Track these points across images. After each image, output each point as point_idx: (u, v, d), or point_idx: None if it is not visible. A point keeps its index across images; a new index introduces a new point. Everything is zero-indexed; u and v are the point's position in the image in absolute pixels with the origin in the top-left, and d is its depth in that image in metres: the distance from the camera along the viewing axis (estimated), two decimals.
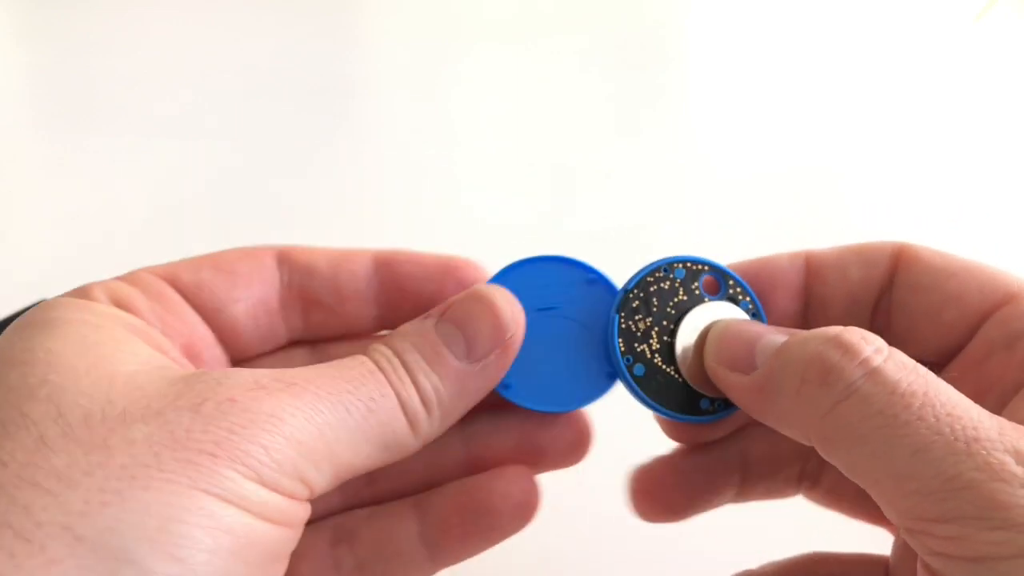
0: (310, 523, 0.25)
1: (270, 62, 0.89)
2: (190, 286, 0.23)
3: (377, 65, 0.94)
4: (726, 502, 0.27)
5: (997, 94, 0.90)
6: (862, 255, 0.25)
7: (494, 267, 0.26)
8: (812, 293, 0.26)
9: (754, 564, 0.27)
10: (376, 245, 0.25)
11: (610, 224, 0.62)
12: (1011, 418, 0.19)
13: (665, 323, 0.25)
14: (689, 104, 0.88)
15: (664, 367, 0.25)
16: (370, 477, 0.24)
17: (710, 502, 0.27)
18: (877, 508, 0.25)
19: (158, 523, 0.16)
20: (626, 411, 0.26)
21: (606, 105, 0.85)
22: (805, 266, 0.26)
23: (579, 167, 0.71)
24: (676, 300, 0.25)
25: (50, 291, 0.50)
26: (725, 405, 0.25)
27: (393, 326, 0.24)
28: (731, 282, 0.26)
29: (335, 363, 0.21)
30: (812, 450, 0.27)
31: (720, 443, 0.27)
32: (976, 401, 0.19)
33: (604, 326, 0.25)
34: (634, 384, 0.24)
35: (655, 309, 0.25)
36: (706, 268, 0.26)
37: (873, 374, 0.19)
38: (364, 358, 0.21)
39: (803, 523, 0.28)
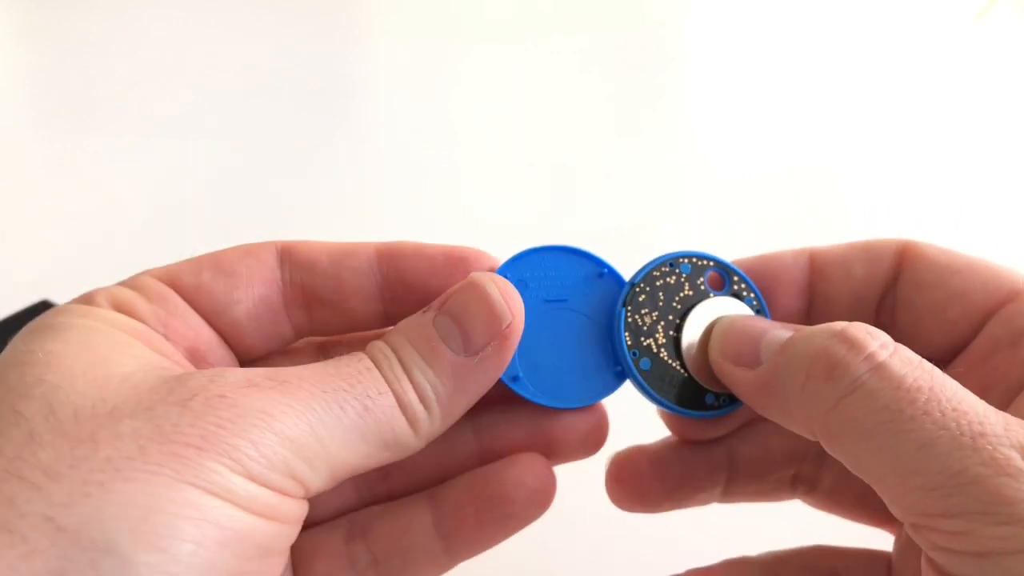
0: (325, 521, 0.25)
1: (270, 62, 0.89)
2: (191, 289, 0.23)
3: (377, 65, 0.94)
4: (711, 500, 0.27)
5: (997, 94, 0.90)
6: (866, 252, 0.25)
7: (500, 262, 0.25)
8: (816, 290, 0.26)
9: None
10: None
11: (610, 224, 0.62)
12: (1017, 414, 0.19)
13: (671, 318, 0.25)
14: (689, 104, 0.88)
15: (670, 361, 0.25)
16: (384, 472, 0.24)
17: (690, 498, 0.27)
18: (878, 510, 0.25)
19: (140, 514, 0.16)
20: (631, 406, 0.26)
21: (606, 105, 0.85)
22: (809, 263, 0.26)
23: (579, 167, 0.71)
24: (682, 295, 0.25)
25: (50, 291, 0.50)
26: (730, 400, 0.25)
27: (399, 321, 0.24)
28: (735, 278, 0.26)
29: (332, 361, 0.21)
30: (806, 454, 0.27)
31: (707, 440, 0.27)
32: (981, 398, 0.19)
33: (610, 320, 0.25)
34: (640, 378, 0.24)
35: (661, 304, 0.25)
36: (711, 264, 0.26)
37: (879, 369, 0.19)
38: (362, 355, 0.21)
39: (805, 524, 0.28)
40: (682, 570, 0.26)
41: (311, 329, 0.25)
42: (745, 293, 0.26)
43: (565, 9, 1.12)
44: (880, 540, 0.26)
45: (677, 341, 0.25)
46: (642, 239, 0.59)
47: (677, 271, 0.25)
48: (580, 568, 0.36)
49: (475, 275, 0.22)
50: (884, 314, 0.25)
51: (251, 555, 0.18)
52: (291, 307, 0.24)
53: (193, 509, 0.17)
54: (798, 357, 0.21)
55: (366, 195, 0.67)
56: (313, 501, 0.24)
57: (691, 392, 0.25)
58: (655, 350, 0.25)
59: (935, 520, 0.18)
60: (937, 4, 1.15)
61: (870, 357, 0.20)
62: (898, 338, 0.21)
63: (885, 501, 0.20)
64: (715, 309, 0.25)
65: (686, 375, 0.25)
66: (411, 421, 0.21)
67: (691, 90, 0.92)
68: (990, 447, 0.18)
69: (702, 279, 0.25)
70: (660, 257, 0.25)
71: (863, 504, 0.27)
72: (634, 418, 0.27)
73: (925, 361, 0.20)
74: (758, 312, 0.26)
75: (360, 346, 0.22)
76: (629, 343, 0.24)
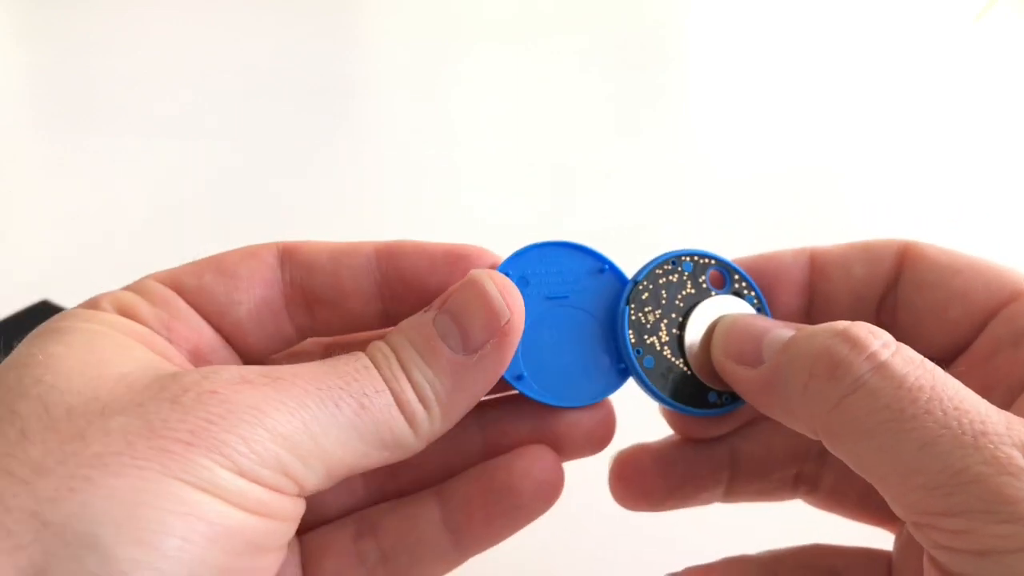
0: (336, 519, 0.25)
1: (270, 62, 0.89)
2: (194, 291, 0.23)
3: (377, 65, 0.94)
4: (714, 500, 0.27)
5: (997, 94, 0.90)
6: (867, 252, 0.25)
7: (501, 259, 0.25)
8: (816, 289, 0.26)
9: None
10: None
11: (610, 224, 0.62)
12: (1018, 413, 0.19)
13: (674, 316, 0.25)
14: (689, 104, 0.88)
15: (673, 359, 0.25)
16: (392, 470, 0.23)
17: (693, 496, 0.27)
18: (879, 509, 0.25)
19: (126, 509, 0.16)
20: (634, 404, 0.26)
21: (606, 105, 0.85)
22: (810, 262, 0.26)
23: (579, 167, 0.71)
24: (684, 293, 0.25)
25: (50, 291, 0.50)
26: (733, 399, 0.25)
27: (400, 320, 0.24)
28: (736, 276, 0.26)
29: (330, 360, 0.21)
30: (808, 453, 0.27)
31: (710, 439, 0.27)
32: (983, 397, 0.19)
33: (613, 317, 0.25)
34: (644, 376, 0.24)
35: (664, 301, 0.25)
36: (712, 262, 0.26)
37: (880, 368, 0.19)
38: (361, 354, 0.21)
39: (803, 524, 0.28)
40: (681, 568, 0.26)
41: (313, 329, 0.25)
42: (746, 291, 0.26)
43: (565, 9, 1.12)
44: (879, 539, 0.26)
45: (680, 339, 0.25)
46: (642, 239, 0.59)
47: (679, 269, 0.25)
48: (580, 567, 0.36)
49: (473, 272, 0.22)
50: (885, 314, 0.25)
51: (242, 551, 0.18)
52: (292, 307, 0.24)
53: (180, 504, 0.17)
54: (800, 356, 0.21)
55: (366, 195, 0.67)
56: (321, 499, 0.24)
57: (694, 390, 0.25)
58: (658, 348, 0.25)
59: (937, 519, 0.18)
60: (937, 4, 1.15)
61: (872, 356, 0.20)
62: (900, 338, 0.21)
63: (887, 500, 0.20)
64: (717, 307, 0.25)
65: (689, 373, 0.25)
66: (410, 420, 0.21)
67: (691, 90, 0.92)
68: (991, 446, 0.18)
69: (703, 277, 0.25)
70: (662, 255, 0.25)
71: (864, 503, 0.27)
72: (637, 416, 0.27)
73: (927, 360, 0.20)
74: (759, 311, 0.26)
75: (365, 346, 0.22)
76: (633, 341, 0.24)
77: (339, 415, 0.19)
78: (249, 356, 0.24)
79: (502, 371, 0.22)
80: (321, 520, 0.25)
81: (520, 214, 0.63)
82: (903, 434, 0.19)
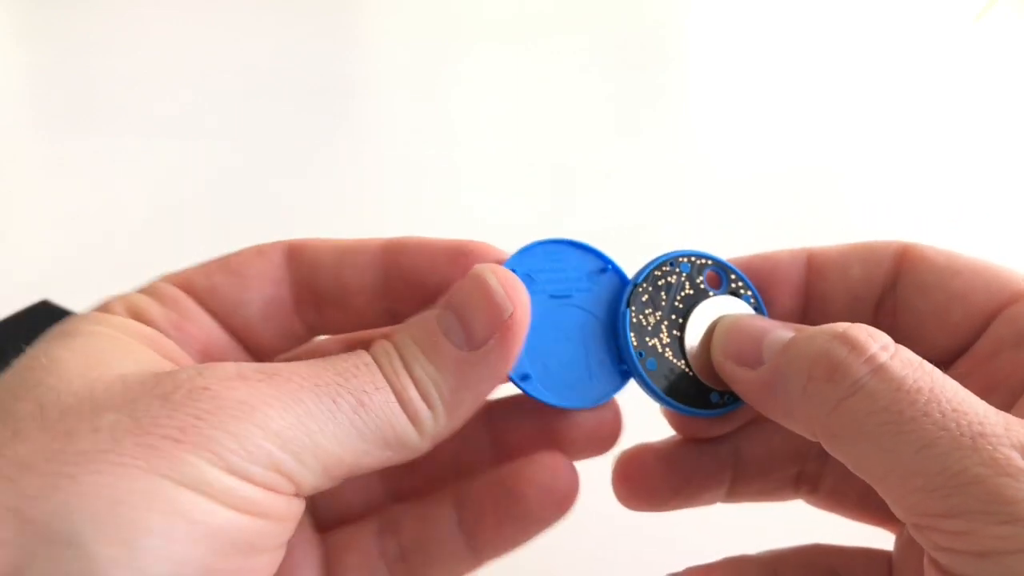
0: (355, 512, 0.25)
1: (270, 62, 0.89)
2: (205, 291, 0.23)
3: (377, 65, 0.94)
4: (716, 500, 0.27)
5: (997, 94, 0.90)
6: (865, 253, 0.25)
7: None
8: (813, 290, 0.26)
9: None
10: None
11: (610, 224, 0.62)
12: (1019, 415, 0.19)
13: (674, 317, 0.25)
14: (689, 104, 0.89)
15: (674, 361, 0.25)
16: (410, 466, 0.23)
17: (697, 496, 0.27)
18: (880, 509, 0.25)
19: (107, 506, 0.16)
20: (635, 404, 0.26)
21: (606, 105, 0.85)
22: (807, 263, 0.26)
23: (579, 167, 0.71)
24: (683, 294, 0.25)
25: (50, 291, 0.50)
26: (734, 399, 0.25)
27: (407, 318, 0.24)
28: (732, 276, 0.26)
29: (331, 357, 0.21)
30: (808, 452, 0.27)
31: (713, 438, 0.27)
32: (983, 399, 0.19)
33: (614, 318, 0.25)
34: (648, 380, 0.24)
35: (664, 303, 0.25)
36: (709, 263, 0.26)
37: (879, 370, 0.19)
38: (364, 352, 0.21)
39: (803, 524, 0.28)
40: (681, 568, 0.26)
41: (323, 327, 0.25)
42: (742, 291, 0.26)
43: (565, 9, 1.12)
44: (880, 539, 0.26)
45: (681, 340, 0.25)
46: (642, 239, 0.59)
47: (677, 270, 0.25)
48: (580, 567, 0.36)
49: (476, 267, 0.22)
50: (884, 315, 0.25)
51: (230, 551, 0.17)
52: (301, 306, 0.24)
53: (163, 502, 0.16)
54: (799, 358, 0.21)
55: (366, 195, 0.67)
56: (340, 495, 0.24)
57: (696, 391, 0.25)
58: (660, 350, 0.24)
59: (936, 520, 0.18)
60: (937, 4, 1.15)
61: (871, 359, 0.20)
62: (900, 339, 0.21)
63: (887, 501, 0.20)
64: (716, 308, 0.25)
65: (691, 374, 0.25)
66: (412, 419, 0.20)
67: (691, 90, 0.92)
68: (990, 447, 0.18)
69: (701, 278, 0.25)
70: (660, 257, 0.25)
71: (865, 503, 0.27)
72: (638, 416, 0.27)
73: (925, 362, 0.20)
74: (756, 310, 0.26)
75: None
76: (635, 343, 0.24)
77: (337, 411, 0.19)
78: (261, 355, 0.24)
79: (507, 367, 0.22)
80: (341, 516, 0.25)
81: (520, 214, 0.63)
82: (901, 436, 0.19)
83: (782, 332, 0.22)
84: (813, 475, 0.27)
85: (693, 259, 0.26)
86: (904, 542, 0.24)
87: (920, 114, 0.84)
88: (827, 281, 0.25)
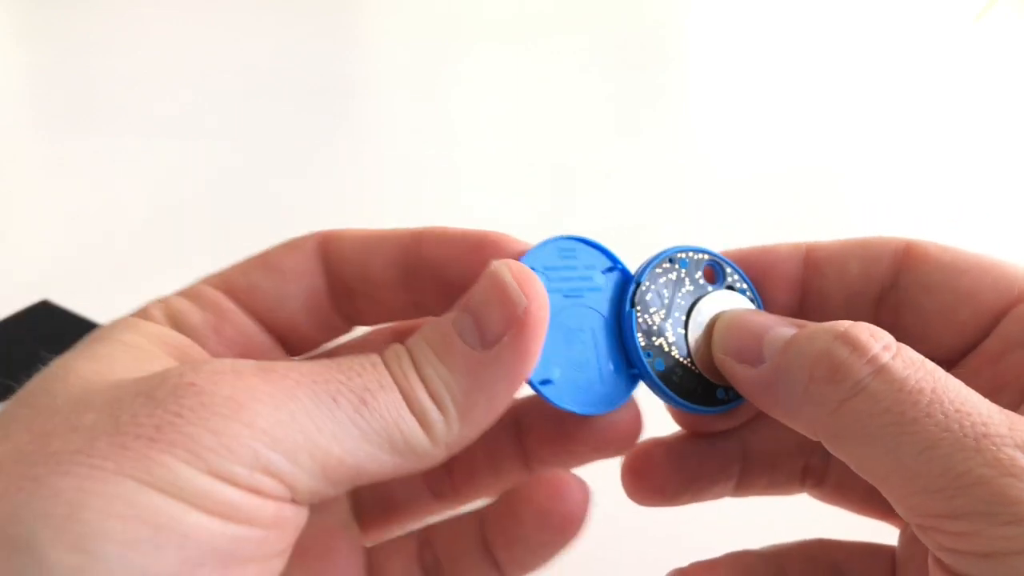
0: (401, 512, 0.25)
1: (270, 62, 0.89)
2: (244, 290, 0.23)
3: (377, 65, 0.94)
4: (724, 494, 0.27)
5: (997, 94, 0.90)
6: (863, 249, 0.25)
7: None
8: (809, 285, 0.25)
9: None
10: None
11: (610, 224, 0.62)
12: None
13: (677, 315, 0.25)
14: (689, 104, 0.89)
15: (680, 359, 0.24)
16: (446, 465, 0.22)
17: (706, 491, 0.26)
18: (885, 504, 0.25)
19: (67, 510, 0.15)
20: (640, 400, 0.26)
21: (606, 105, 0.85)
22: (805, 258, 0.25)
23: (579, 167, 0.71)
24: (684, 291, 0.25)
25: (50, 291, 0.50)
26: (739, 394, 0.25)
27: (433, 310, 0.24)
28: (728, 270, 0.25)
29: (339, 357, 0.20)
30: (816, 446, 0.27)
31: (721, 432, 0.26)
32: (992, 398, 0.19)
33: (620, 318, 0.24)
34: (658, 381, 0.24)
35: (667, 301, 0.24)
36: (705, 257, 0.25)
37: (881, 371, 0.19)
38: (373, 353, 0.20)
39: (807, 520, 0.28)
40: (686, 563, 0.26)
41: (359, 318, 0.24)
42: (738, 285, 0.25)
43: (565, 9, 1.12)
44: (883, 534, 0.26)
45: (685, 338, 0.25)
46: (642, 239, 0.59)
47: (677, 266, 0.25)
48: (581, 566, 0.36)
49: (491, 262, 0.21)
50: (886, 313, 0.25)
51: (205, 561, 0.16)
52: (336, 297, 0.24)
53: (126, 506, 0.15)
54: (801, 357, 0.21)
55: (366, 195, 0.67)
56: (384, 490, 0.24)
57: (702, 388, 0.24)
58: (666, 349, 0.24)
59: (940, 521, 0.18)
60: (937, 4, 1.15)
61: (873, 359, 0.19)
62: (904, 338, 0.20)
63: (890, 501, 0.19)
64: (716, 304, 0.25)
65: (696, 371, 0.24)
66: (422, 421, 0.19)
67: (691, 90, 0.92)
68: (994, 448, 0.17)
69: (699, 273, 0.25)
70: (659, 254, 0.25)
71: (870, 497, 0.26)
72: (644, 411, 0.27)
73: (928, 361, 0.20)
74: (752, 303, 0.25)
75: None
76: (643, 344, 0.24)
77: (336, 409, 0.18)
78: (304, 350, 0.24)
79: (524, 367, 0.20)
80: (385, 508, 0.25)
81: (520, 214, 0.63)
82: (904, 437, 0.18)
83: (783, 329, 0.22)
84: (819, 469, 0.27)
85: (691, 254, 0.25)
86: (908, 537, 0.24)
87: (920, 114, 0.84)
88: (824, 277, 0.25)
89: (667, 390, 0.24)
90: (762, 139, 0.78)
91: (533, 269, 0.22)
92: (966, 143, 0.79)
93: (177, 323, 0.22)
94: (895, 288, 0.24)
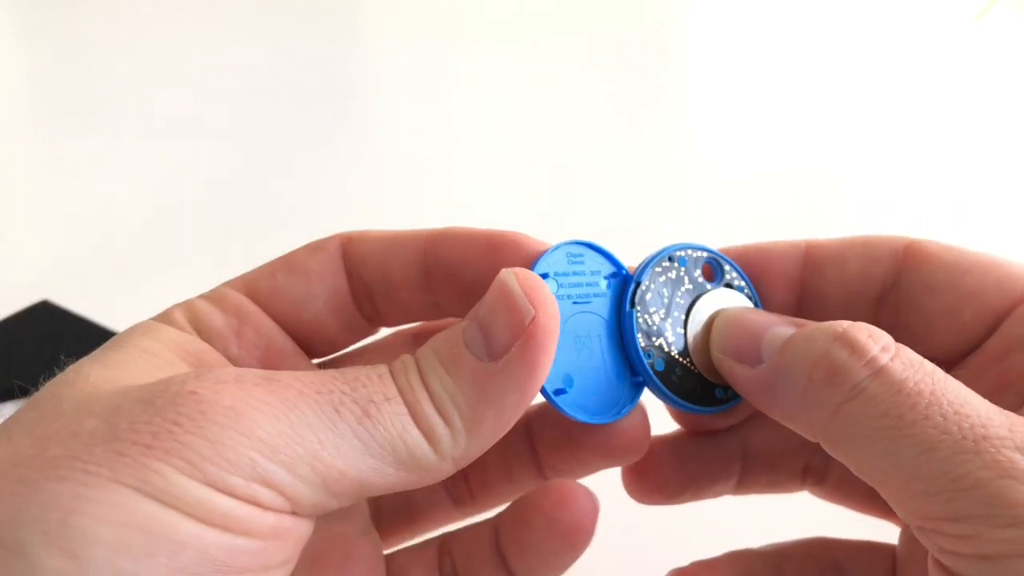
0: (422, 515, 0.25)
1: (270, 62, 0.89)
2: (268, 293, 0.23)
3: (377, 65, 0.94)
4: (726, 492, 0.27)
5: (997, 94, 0.90)
6: (863, 248, 0.25)
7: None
8: (808, 284, 0.25)
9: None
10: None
11: (610, 224, 0.62)
12: None
13: (677, 314, 0.24)
14: (689, 104, 0.88)
15: (680, 359, 0.24)
16: (463, 473, 0.23)
17: (707, 489, 0.26)
18: (887, 503, 0.25)
19: (60, 516, 0.15)
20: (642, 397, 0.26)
21: (606, 105, 0.85)
22: (804, 256, 0.25)
23: (579, 167, 0.71)
24: (683, 289, 0.25)
25: (50, 291, 0.50)
26: (737, 393, 0.24)
27: (452, 312, 0.24)
28: (726, 268, 0.25)
29: (345, 368, 0.20)
30: (817, 445, 0.27)
31: (722, 431, 0.26)
32: (994, 398, 0.19)
33: (620, 320, 0.24)
34: (658, 382, 0.24)
35: (666, 300, 0.24)
36: (704, 254, 0.25)
37: (879, 373, 0.19)
38: (381, 364, 0.20)
39: (806, 518, 0.28)
40: (686, 563, 0.26)
41: (381, 319, 0.24)
42: (736, 282, 0.25)
43: (565, 9, 1.12)
44: (883, 532, 0.26)
45: (684, 337, 0.24)
46: (642, 239, 0.59)
47: (676, 265, 0.25)
48: (579, 564, 0.36)
49: (501, 271, 0.20)
50: (887, 312, 0.25)
51: (199, 571, 0.16)
52: (358, 298, 0.24)
53: (118, 513, 0.15)
54: (799, 358, 0.21)
55: (366, 195, 0.67)
56: (404, 496, 0.24)
57: (701, 388, 0.24)
58: (666, 349, 0.24)
59: (939, 524, 0.18)
60: (937, 4, 1.15)
61: (871, 362, 0.19)
62: (905, 338, 0.20)
63: (890, 503, 0.19)
64: (715, 302, 0.25)
65: (695, 371, 0.24)
66: (427, 434, 0.19)
67: (691, 90, 0.92)
68: (993, 450, 0.17)
69: (698, 271, 0.25)
70: (658, 252, 0.25)
71: (872, 495, 0.26)
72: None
73: (927, 362, 0.19)
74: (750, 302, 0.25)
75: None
76: (643, 344, 0.24)
77: (338, 421, 0.18)
78: (328, 352, 0.24)
79: (533, 379, 0.19)
80: (412, 516, 0.25)
81: (520, 214, 0.63)
82: (902, 440, 0.18)
83: (781, 329, 0.22)
84: (820, 467, 0.27)
85: (689, 252, 0.25)
86: (909, 536, 0.24)
87: (920, 114, 0.84)
88: (823, 275, 0.25)
89: (666, 391, 0.24)
90: (762, 139, 0.78)
91: (544, 276, 0.22)
92: (966, 143, 0.79)
93: (199, 327, 0.22)
94: (897, 287, 0.24)
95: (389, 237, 0.23)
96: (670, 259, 0.25)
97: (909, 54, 1.00)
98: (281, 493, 0.17)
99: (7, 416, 0.18)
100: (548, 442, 0.25)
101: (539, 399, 0.22)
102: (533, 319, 0.19)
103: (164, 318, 0.22)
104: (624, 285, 0.25)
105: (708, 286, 0.25)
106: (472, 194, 0.67)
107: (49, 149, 0.73)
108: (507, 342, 0.19)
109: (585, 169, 0.71)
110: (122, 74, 0.85)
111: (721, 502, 0.28)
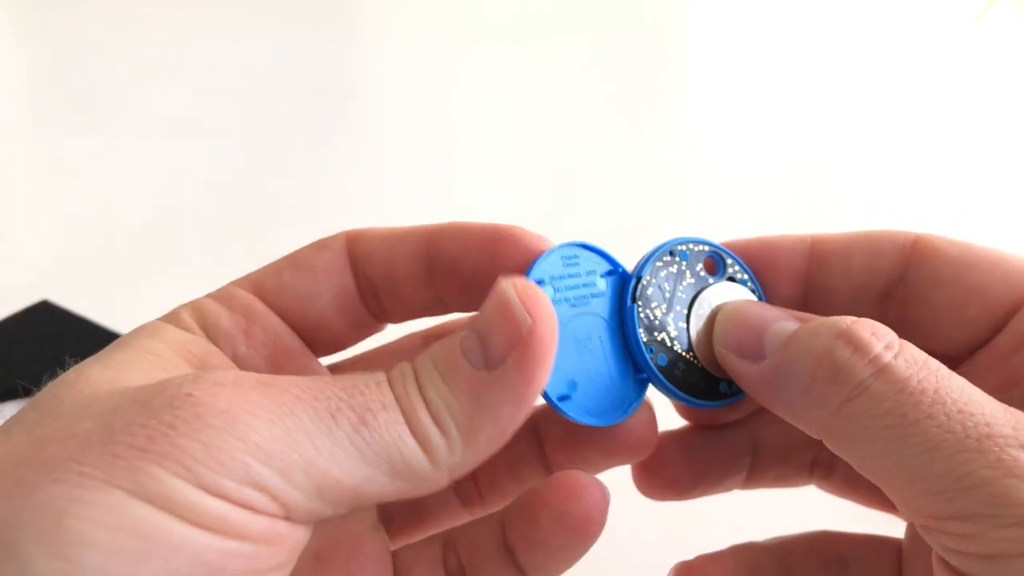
0: (430, 515, 0.25)
1: (270, 62, 0.89)
2: (275, 291, 0.23)
3: (377, 65, 0.94)
4: (735, 487, 0.27)
5: (997, 94, 0.90)
6: (870, 243, 0.24)
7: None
8: (814, 278, 0.25)
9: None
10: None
11: (610, 224, 0.62)
12: None
13: (679, 308, 0.24)
14: (689, 104, 0.88)
15: (683, 353, 0.24)
16: (471, 473, 0.22)
17: (717, 484, 0.26)
18: None
19: (55, 518, 0.15)
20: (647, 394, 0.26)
21: (606, 105, 0.85)
22: (810, 250, 0.25)
23: (579, 167, 0.71)
24: (685, 283, 0.24)
25: (50, 291, 0.50)
26: (741, 388, 0.24)
27: (459, 307, 0.24)
28: (729, 261, 0.25)
29: (345, 374, 0.19)
30: None
31: (731, 425, 0.26)
32: (1003, 395, 0.19)
33: (622, 316, 0.24)
34: (661, 376, 0.23)
35: (668, 295, 0.24)
36: (706, 248, 0.25)
37: (883, 371, 0.19)
38: (380, 372, 0.20)
39: (811, 512, 0.28)
40: (691, 556, 0.26)
41: (386, 316, 0.24)
42: (739, 276, 0.25)
43: (565, 9, 1.12)
44: (889, 526, 0.26)
45: (687, 332, 0.24)
46: (642, 239, 0.58)
47: (677, 259, 0.25)
48: (583, 563, 0.36)
49: (499, 280, 0.20)
50: (893, 308, 0.24)
51: (188, 574, 0.16)
52: (364, 295, 0.24)
53: (112, 515, 0.15)
54: (802, 355, 0.21)
55: (366, 195, 0.67)
56: (417, 498, 0.24)
57: (705, 382, 0.24)
58: (669, 344, 0.24)
59: (943, 523, 0.18)
60: (937, 4, 1.15)
61: (875, 359, 0.19)
62: (912, 333, 0.20)
63: (893, 502, 0.19)
64: (717, 296, 0.25)
65: (699, 365, 0.24)
66: (423, 444, 0.18)
67: (691, 90, 0.92)
68: (997, 448, 0.17)
69: (700, 265, 0.25)
70: (659, 247, 0.25)
71: (878, 490, 0.26)
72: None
73: (931, 360, 0.19)
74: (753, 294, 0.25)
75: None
76: (645, 339, 0.24)
77: (334, 427, 0.17)
78: (336, 350, 0.24)
79: (530, 389, 0.19)
80: (419, 518, 0.25)
81: (520, 214, 0.63)
82: (905, 439, 0.18)
83: (784, 324, 0.22)
84: (827, 461, 0.27)
85: (691, 246, 0.25)
86: (915, 531, 0.24)
87: (920, 114, 0.84)
88: (829, 270, 0.25)
89: (670, 385, 0.24)
90: (762, 139, 0.78)
91: (540, 282, 0.22)
92: (966, 143, 0.79)
93: (206, 327, 0.22)
94: (903, 282, 0.24)
95: (392, 234, 0.24)
96: (671, 253, 0.25)
97: (909, 54, 1.00)
98: (275, 498, 0.17)
99: (7, 416, 0.18)
100: (556, 442, 0.25)
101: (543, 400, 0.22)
102: (530, 329, 0.19)
103: (171, 318, 0.22)
104: (622, 282, 0.24)
105: (710, 280, 0.25)
106: (472, 194, 0.67)
107: (49, 149, 0.73)
108: (503, 352, 0.19)
109: (585, 169, 0.71)
110: (122, 74, 0.85)
111: (725, 496, 0.28)
